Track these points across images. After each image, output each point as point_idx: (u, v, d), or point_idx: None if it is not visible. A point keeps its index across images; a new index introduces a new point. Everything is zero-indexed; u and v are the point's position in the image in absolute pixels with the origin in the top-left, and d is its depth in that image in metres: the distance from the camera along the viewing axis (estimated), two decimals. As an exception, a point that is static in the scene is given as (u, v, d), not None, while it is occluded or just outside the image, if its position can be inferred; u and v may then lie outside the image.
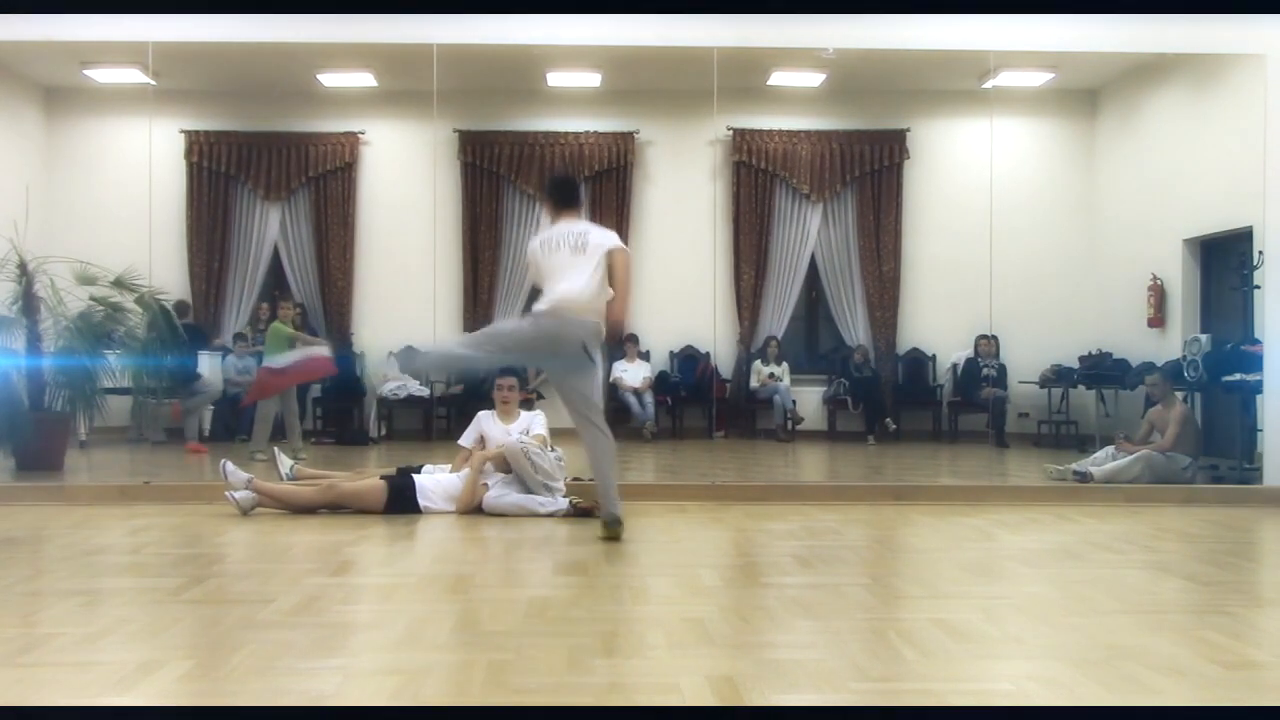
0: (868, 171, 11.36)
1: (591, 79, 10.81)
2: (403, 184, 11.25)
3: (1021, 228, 10.62)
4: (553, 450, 6.18)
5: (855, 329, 11.39)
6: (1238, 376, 7.82)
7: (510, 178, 11.29)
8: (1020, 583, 4.52)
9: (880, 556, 5.30)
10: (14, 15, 7.30)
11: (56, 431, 7.92)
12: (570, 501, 6.01)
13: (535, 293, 5.44)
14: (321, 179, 11.32)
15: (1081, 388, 10.09)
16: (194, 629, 3.60)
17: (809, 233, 11.41)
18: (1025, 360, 10.63)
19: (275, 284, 11.24)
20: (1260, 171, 7.60)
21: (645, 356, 11.05)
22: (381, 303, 11.21)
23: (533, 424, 6.39)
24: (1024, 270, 10.52)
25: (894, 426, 10.67)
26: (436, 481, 6.12)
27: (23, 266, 8.00)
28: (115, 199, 10.46)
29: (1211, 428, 8.74)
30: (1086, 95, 11.20)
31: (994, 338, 10.48)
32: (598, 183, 11.33)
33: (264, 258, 11.32)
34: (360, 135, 11.34)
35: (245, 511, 5.90)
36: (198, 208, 11.19)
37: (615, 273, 5.21)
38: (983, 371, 10.53)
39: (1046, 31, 7.83)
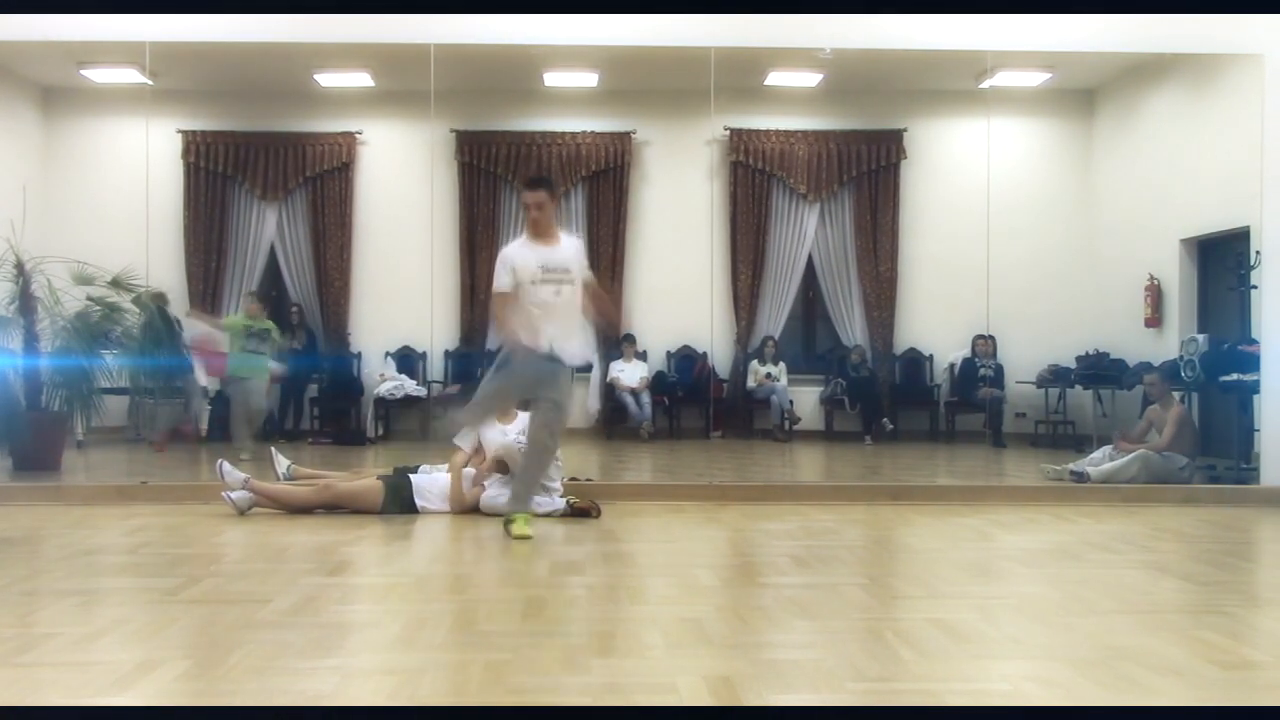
0: (865, 171, 11.36)
1: (588, 79, 10.80)
2: (400, 184, 11.24)
3: (1019, 228, 10.61)
4: (550, 450, 6.17)
5: (852, 329, 11.39)
6: (1235, 376, 7.82)
7: (507, 178, 11.27)
8: (1017, 583, 4.53)
9: (877, 556, 5.31)
10: (11, 15, 7.28)
11: (53, 431, 7.91)
12: (567, 502, 6.01)
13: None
14: (319, 179, 11.30)
15: (1079, 388, 10.09)
16: (191, 629, 3.59)
17: (806, 233, 11.41)
18: (1022, 360, 10.63)
19: (272, 284, 11.23)
20: (1257, 171, 7.60)
21: (642, 356, 11.05)
22: (378, 303, 11.20)
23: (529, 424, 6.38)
24: (1021, 270, 10.51)
25: (891, 426, 10.67)
26: (433, 481, 6.12)
27: (20, 266, 7.98)
28: (112, 199, 10.43)
29: (1208, 428, 8.74)
30: (1084, 95, 11.20)
31: (991, 338, 10.48)
32: (595, 183, 11.32)
33: (261, 258, 11.30)
34: (357, 135, 11.33)
35: (242, 511, 5.90)
36: (195, 208, 11.16)
37: (590, 289, 5.65)
38: (980, 371, 10.54)
39: (1044, 31, 7.83)
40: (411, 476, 6.13)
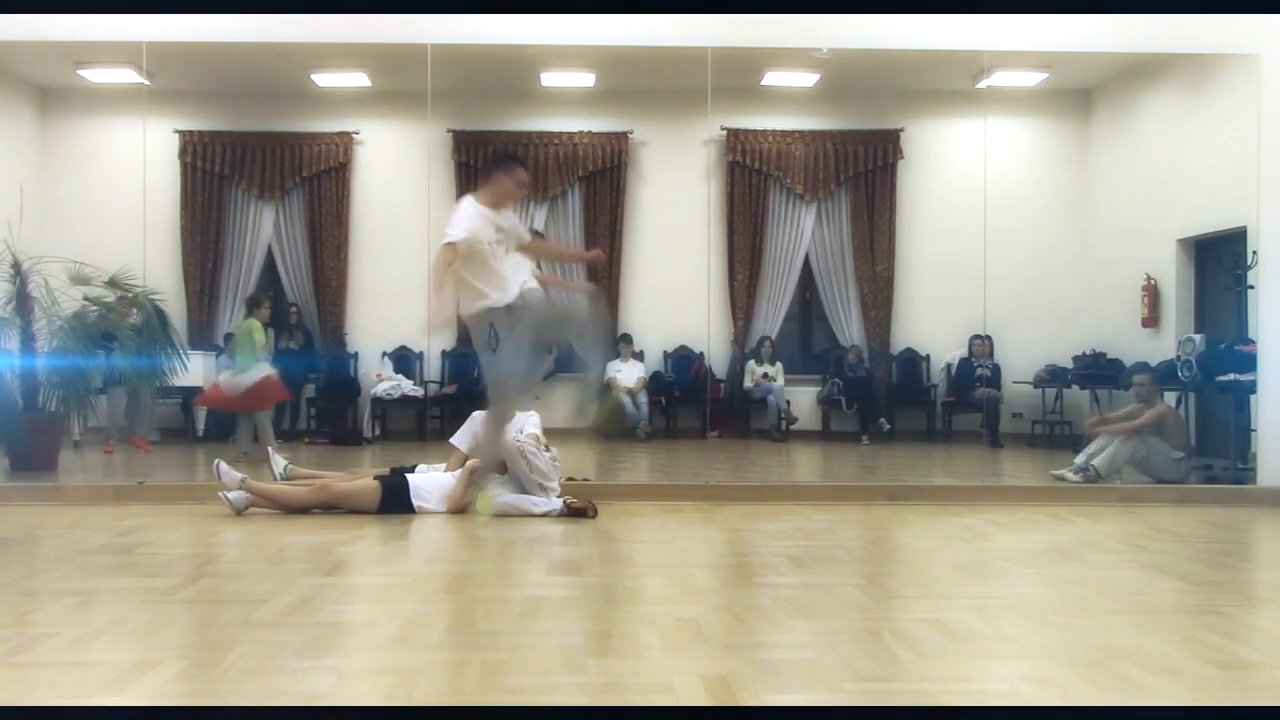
0: (862, 171, 11.36)
1: (585, 79, 10.80)
2: (397, 184, 11.23)
3: (1015, 228, 10.60)
4: (547, 450, 6.18)
5: (849, 329, 11.39)
6: (1232, 376, 7.83)
7: (505, 178, 11.25)
8: (1014, 582, 4.53)
9: (874, 556, 5.31)
10: (8, 15, 7.28)
11: (50, 431, 7.90)
12: (565, 501, 6.00)
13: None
14: (315, 179, 11.29)
15: (1075, 388, 10.09)
16: (188, 629, 3.59)
17: (803, 233, 11.41)
18: (1019, 360, 10.63)
19: (269, 284, 11.22)
20: (1254, 171, 7.61)
21: (639, 356, 11.05)
22: (375, 302, 11.19)
23: (527, 424, 6.38)
24: (1018, 270, 10.51)
25: (888, 426, 10.67)
26: (430, 481, 6.12)
27: (16, 266, 7.97)
28: (109, 199, 10.41)
29: (1205, 428, 8.75)
30: (1080, 95, 11.21)
31: (988, 338, 10.49)
32: (592, 183, 11.32)
33: (258, 258, 11.29)
34: (354, 135, 11.32)
35: (239, 512, 5.89)
36: (192, 208, 11.15)
37: (531, 245, 5.86)
38: (977, 371, 10.55)
39: (1040, 31, 7.84)
40: (408, 476, 6.12)
